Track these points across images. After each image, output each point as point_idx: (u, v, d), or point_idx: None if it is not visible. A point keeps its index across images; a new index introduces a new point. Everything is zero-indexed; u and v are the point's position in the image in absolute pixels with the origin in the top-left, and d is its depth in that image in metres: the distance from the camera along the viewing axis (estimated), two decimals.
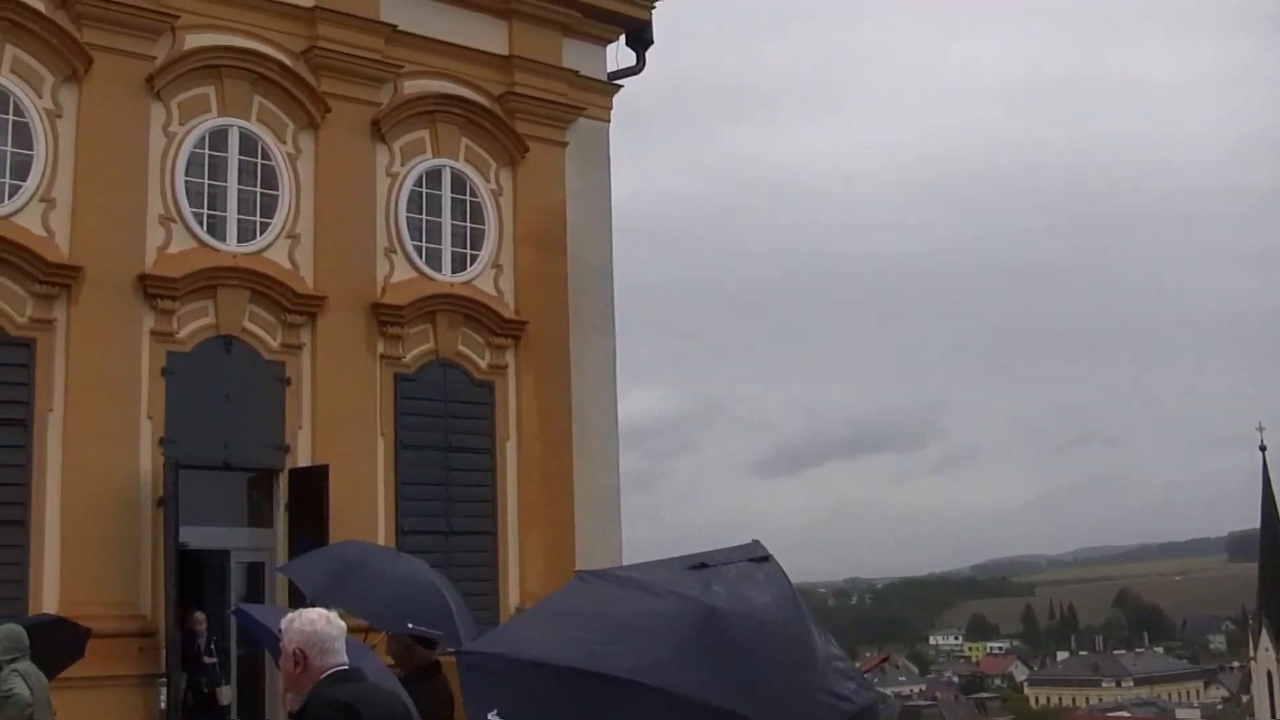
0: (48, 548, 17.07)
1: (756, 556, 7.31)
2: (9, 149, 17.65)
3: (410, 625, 11.32)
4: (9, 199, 17.52)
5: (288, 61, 19.78)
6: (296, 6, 19.92)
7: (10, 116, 17.72)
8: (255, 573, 19.27)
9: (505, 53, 21.75)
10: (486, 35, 21.69)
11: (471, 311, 20.76)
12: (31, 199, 17.66)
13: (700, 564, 7.13)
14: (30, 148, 17.76)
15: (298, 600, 16.01)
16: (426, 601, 12.62)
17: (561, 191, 22.01)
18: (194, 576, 18.57)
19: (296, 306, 19.29)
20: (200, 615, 18.28)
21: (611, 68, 23.17)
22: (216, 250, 18.91)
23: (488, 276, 21.14)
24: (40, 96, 17.93)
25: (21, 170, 17.66)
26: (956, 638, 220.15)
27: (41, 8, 18.00)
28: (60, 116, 18.03)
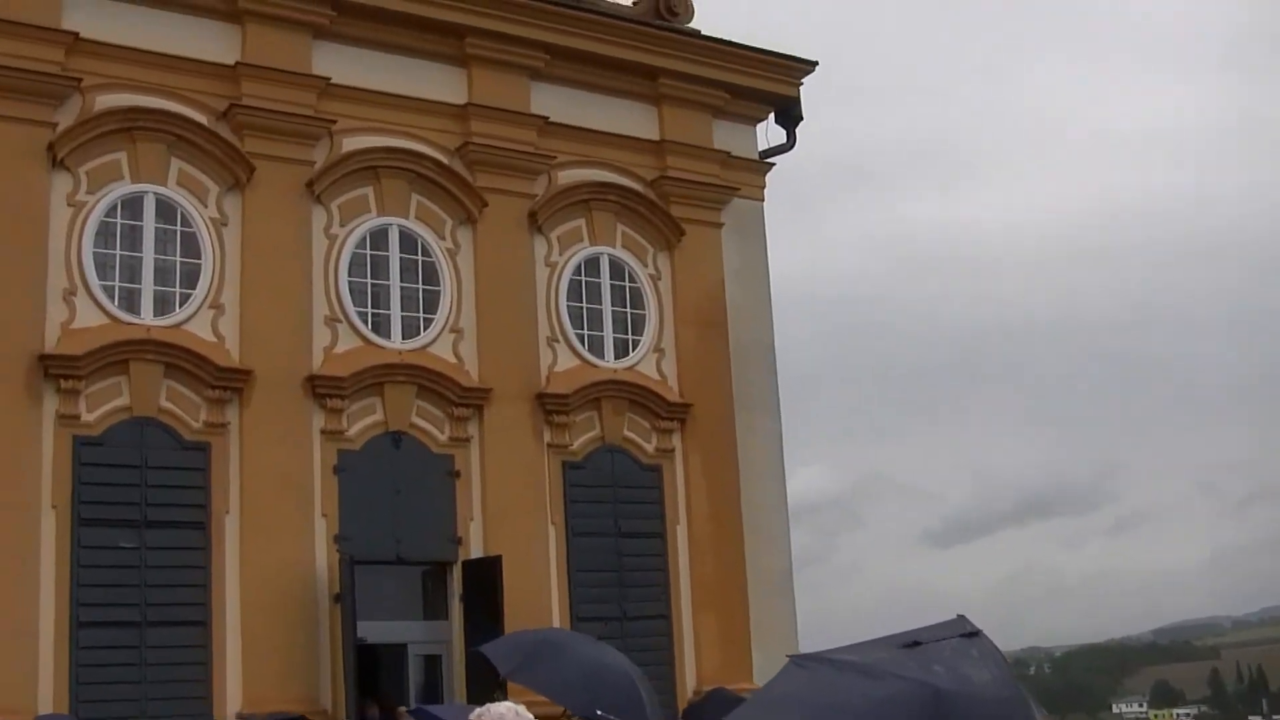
0: (229, 646, 17.31)
1: (967, 632, 7.02)
2: (178, 258, 18.14)
3: (600, 711, 11.21)
4: (180, 307, 17.96)
5: (443, 159, 20.12)
6: (449, 104, 20.28)
7: (178, 227, 18.22)
8: (432, 665, 19.32)
9: (657, 138, 21.93)
10: (637, 121, 21.89)
11: (636, 396, 20.79)
12: (201, 306, 18.09)
13: (913, 642, 6.86)
14: (198, 256, 18.23)
15: (477, 694, 16.06)
16: (619, 688, 12.48)
17: (719, 273, 22.03)
18: (372, 670, 18.67)
19: (463, 399, 19.44)
20: (381, 708, 18.33)
21: (762, 146, 23.21)
22: (382, 348, 19.17)
23: (650, 360, 21.18)
24: (206, 206, 18.42)
25: (191, 279, 18.12)
26: (1141, 705, 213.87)
27: (204, 121, 18.53)
28: (226, 225, 18.50)
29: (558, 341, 20.50)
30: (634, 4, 22.43)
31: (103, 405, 17.23)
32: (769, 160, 23.16)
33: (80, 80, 17.71)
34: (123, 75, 18.07)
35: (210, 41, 18.76)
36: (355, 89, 19.56)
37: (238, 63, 18.76)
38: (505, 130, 20.53)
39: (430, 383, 19.31)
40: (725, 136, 22.58)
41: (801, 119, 23.23)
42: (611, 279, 21.18)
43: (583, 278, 20.96)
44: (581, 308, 20.83)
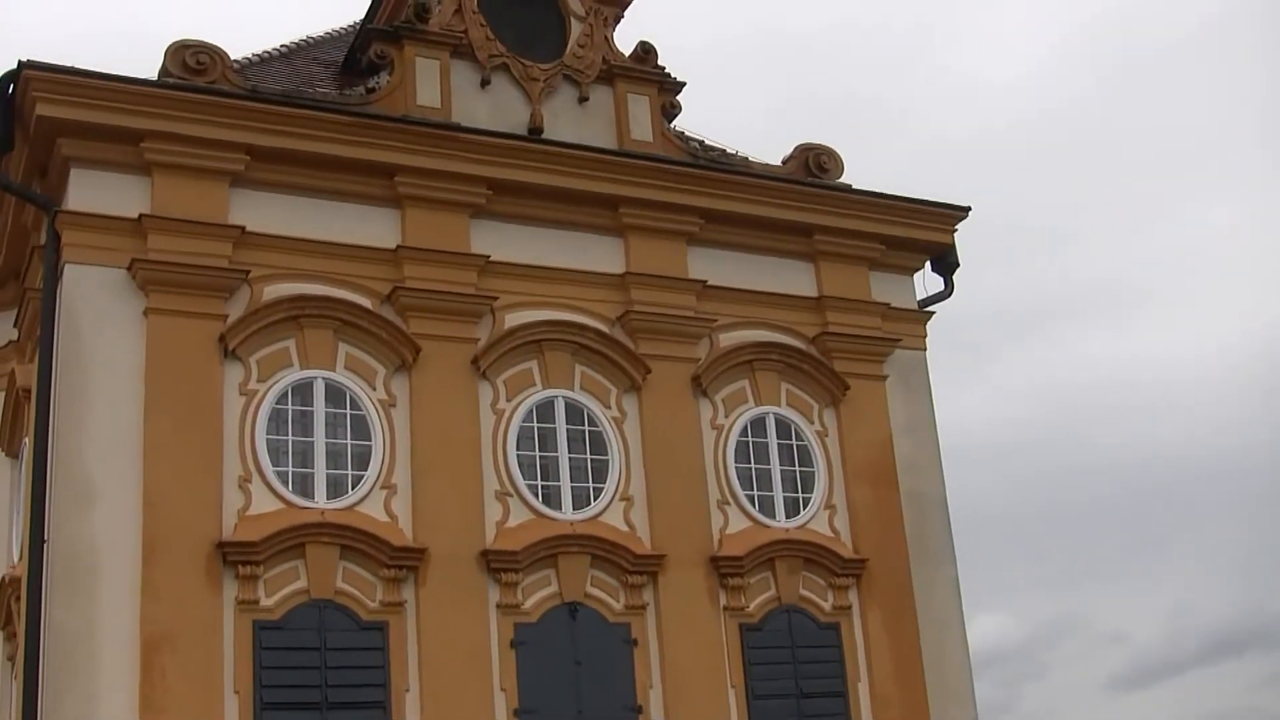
0: None
1: None
2: (349, 441, 18.47)
3: None
4: (353, 489, 18.25)
5: (605, 328, 20.34)
6: (608, 274, 20.57)
7: (348, 410, 18.59)
8: None
9: (815, 294, 21.99)
10: (795, 279, 21.99)
11: (810, 554, 20.57)
12: (374, 487, 18.36)
13: None
14: (369, 438, 18.55)
15: None
16: None
17: (887, 426, 21.87)
18: None
19: (637, 567, 19.40)
20: None
21: (921, 295, 23.15)
22: (554, 520, 19.26)
23: (822, 518, 21.00)
24: (374, 389, 18.79)
25: (362, 460, 18.42)
26: None
27: (369, 305, 18.99)
28: (394, 406, 18.83)
29: (728, 504, 20.42)
30: (784, 163, 22.65)
31: (281, 589, 17.47)
32: (929, 309, 23.08)
33: (248, 272, 18.29)
34: (289, 265, 18.63)
35: (372, 227, 19.31)
36: (515, 265, 19.94)
37: (399, 246, 19.24)
38: (665, 296, 20.74)
39: (604, 552, 19.31)
40: (883, 288, 22.58)
41: (958, 265, 23.17)
42: (779, 438, 21.12)
43: (749, 438, 20.93)
44: (750, 468, 20.77)
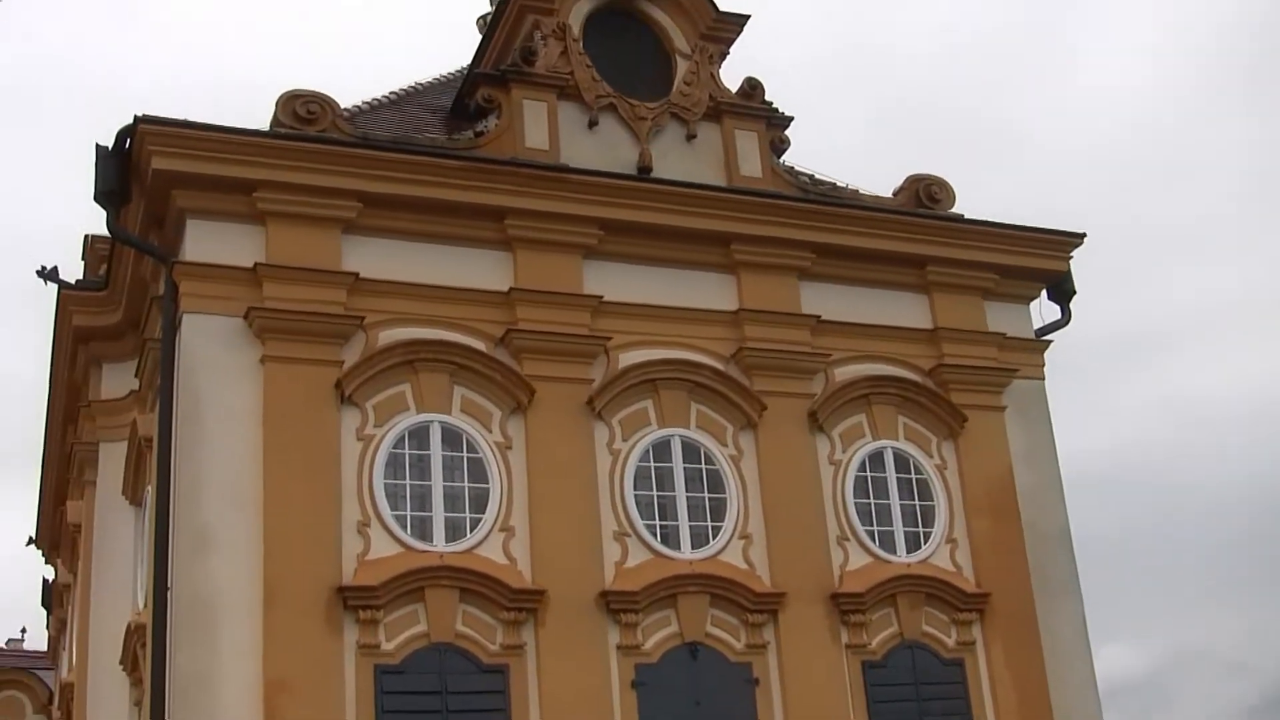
0: None
1: None
2: (466, 484, 18.47)
3: None
4: (471, 532, 18.23)
5: (720, 366, 20.24)
6: (721, 312, 20.47)
7: (464, 453, 18.61)
8: None
9: (930, 326, 21.75)
10: (909, 311, 21.80)
11: (932, 589, 20.29)
12: (492, 530, 18.34)
13: None
14: (486, 481, 18.55)
15: None
16: None
17: (1006, 457, 21.55)
18: None
19: (757, 605, 19.21)
20: None
21: (1037, 324, 22.84)
22: (673, 559, 19.13)
23: (943, 552, 20.71)
24: (490, 431, 18.79)
25: (480, 503, 18.42)
26: None
27: (483, 348, 19.02)
28: (510, 448, 18.82)
29: (848, 540, 20.19)
30: (894, 195, 22.48)
31: (401, 633, 17.46)
32: (1046, 338, 22.74)
33: (363, 318, 18.40)
34: (402, 310, 18.72)
35: (484, 270, 19.37)
36: (628, 304, 19.91)
37: (511, 289, 19.27)
38: (779, 332, 20.60)
39: (723, 591, 19.14)
40: (999, 318, 22.31)
41: (1075, 293, 22.86)
42: (897, 472, 20.89)
43: (868, 473, 20.71)
44: (869, 503, 20.54)
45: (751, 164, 21.63)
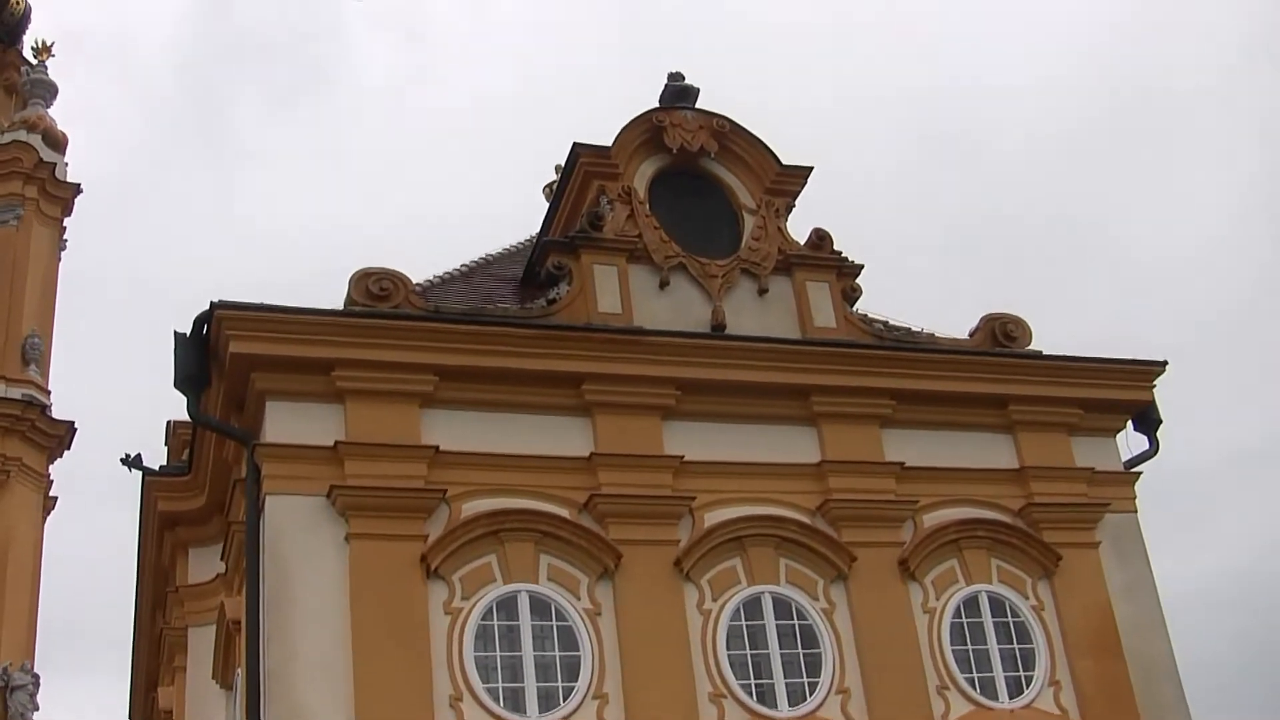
0: None
1: None
2: (557, 653, 18.26)
3: None
4: (565, 701, 17.97)
5: (806, 519, 20.03)
6: (804, 465, 20.30)
7: (554, 622, 18.41)
8: None
9: (1017, 465, 21.45)
10: (994, 452, 21.51)
11: None
12: (585, 698, 18.06)
13: None
14: (577, 649, 18.33)
15: None
16: None
17: (1105, 593, 21.07)
18: None
19: None
20: None
21: (1126, 455, 22.45)
22: (770, 718, 18.75)
23: (1048, 695, 20.18)
24: (579, 598, 18.62)
25: (572, 671, 18.18)
26: None
27: (568, 515, 18.93)
28: (600, 614, 18.61)
29: (948, 689, 19.74)
30: (971, 335, 22.35)
31: None
32: (1135, 470, 22.39)
33: (445, 491, 18.37)
34: (485, 481, 18.68)
35: (563, 437, 19.32)
36: (710, 463, 19.76)
37: (593, 454, 19.21)
38: (864, 482, 20.40)
39: None
40: (1086, 452, 21.96)
41: (1161, 422, 22.51)
42: (994, 616, 20.46)
43: (964, 619, 20.29)
44: (967, 649, 20.08)
45: (825, 314, 21.57)
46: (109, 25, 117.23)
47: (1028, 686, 20.17)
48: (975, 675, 19.98)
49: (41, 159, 49.15)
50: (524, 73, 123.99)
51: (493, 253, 24.47)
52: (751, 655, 19.14)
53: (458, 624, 17.90)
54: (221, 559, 20.95)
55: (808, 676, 19.26)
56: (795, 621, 19.54)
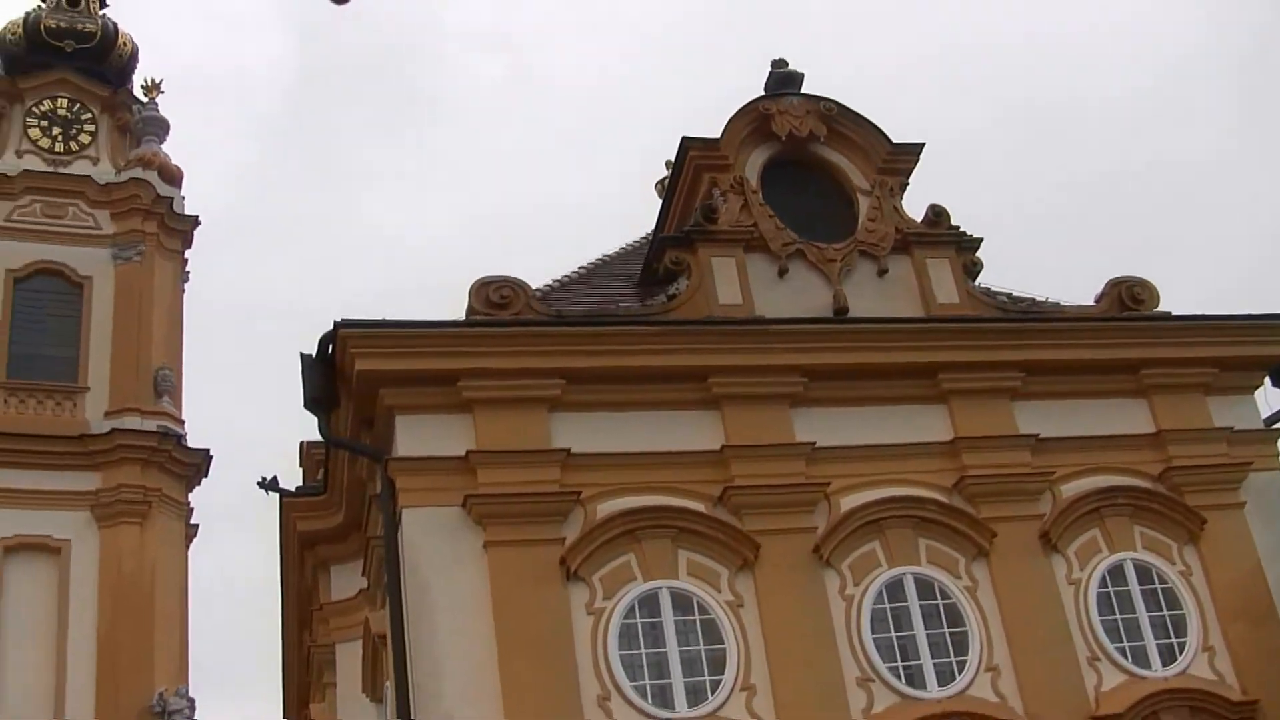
0: None
1: None
2: (701, 647, 18.25)
3: None
4: (712, 694, 17.98)
5: (943, 498, 19.86)
6: (937, 443, 20.14)
7: (696, 616, 18.40)
8: None
9: (1153, 430, 21.07)
10: (1129, 418, 21.15)
11: (1196, 702, 19.41)
12: (733, 690, 18.05)
13: None
14: (721, 642, 18.31)
15: None
16: None
17: (1254, 554, 20.64)
18: None
19: None
20: None
21: (1265, 412, 21.96)
22: (920, 700, 18.60)
23: (1202, 661, 19.82)
24: (719, 591, 18.60)
25: (717, 665, 18.17)
26: None
27: (703, 509, 18.93)
28: (741, 606, 18.58)
29: (1099, 660, 19.45)
30: (1097, 301, 22.01)
31: None
32: (1276, 427, 21.92)
33: (579, 493, 18.45)
34: (617, 480, 18.73)
35: (693, 431, 19.33)
36: (842, 448, 19.67)
37: (724, 446, 19.19)
38: (999, 457, 20.18)
39: None
40: (1223, 412, 21.51)
41: None
42: (1141, 584, 20.12)
43: (1110, 588, 19.98)
44: (1115, 619, 19.78)
45: (947, 291, 21.37)
46: (216, 59, 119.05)
47: (1181, 654, 19.83)
48: (1126, 645, 19.67)
49: (159, 194, 49.88)
50: (624, 71, 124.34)
51: (609, 253, 24.52)
52: (897, 638, 18.99)
53: (601, 624, 17.95)
54: (363, 574, 21.19)
55: (955, 656, 19.09)
56: (939, 601, 19.37)
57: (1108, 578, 20.07)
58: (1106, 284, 22.22)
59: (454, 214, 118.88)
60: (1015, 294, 22.27)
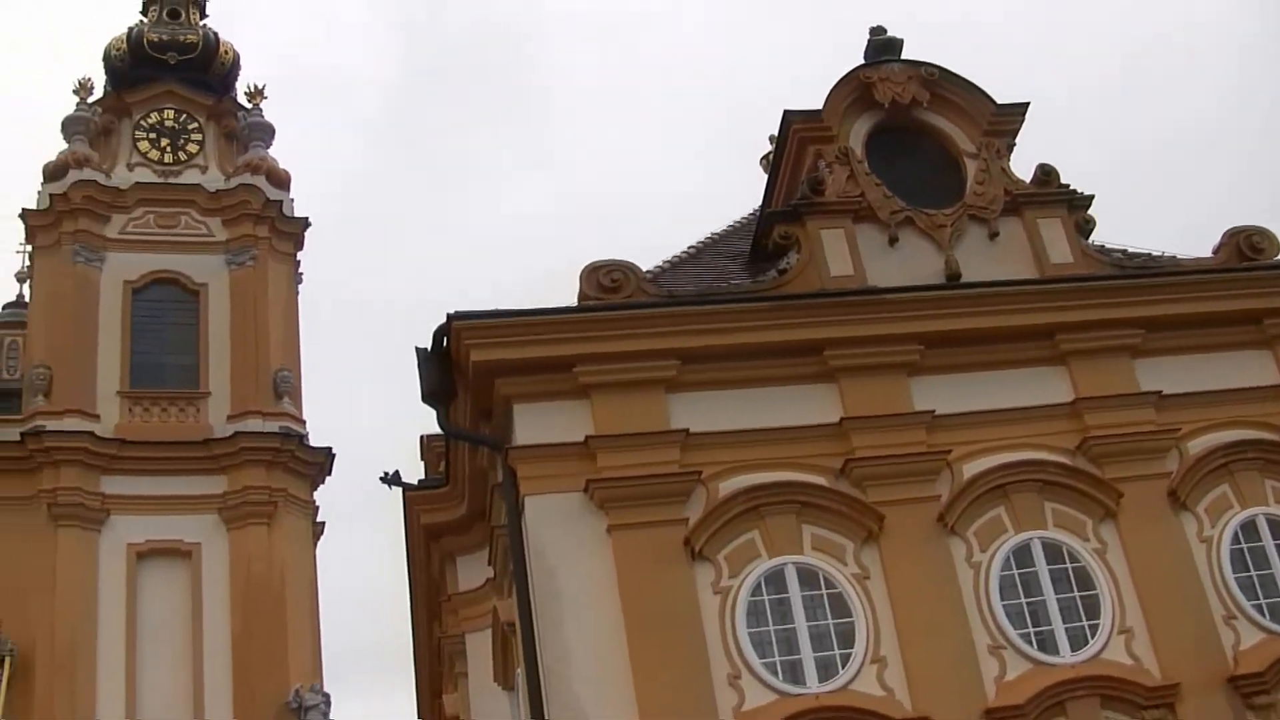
0: None
1: None
2: (830, 621, 18.19)
3: None
4: (843, 668, 17.91)
5: (1067, 460, 19.61)
6: (1058, 405, 19.88)
7: (823, 590, 18.34)
8: None
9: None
10: (1254, 370, 20.73)
11: None
12: (864, 663, 17.97)
13: None
14: (849, 615, 18.23)
15: None
16: None
17: None
18: None
19: (1151, 701, 18.30)
20: None
21: None
22: (1053, 666, 18.40)
23: None
24: (845, 564, 18.52)
25: (847, 638, 18.10)
26: None
27: (824, 482, 18.85)
28: (868, 578, 18.49)
29: (1235, 618, 19.07)
30: (1215, 253, 21.62)
31: None
32: None
33: (700, 472, 18.44)
34: (738, 458, 18.70)
35: (811, 405, 19.24)
36: (961, 414, 19.48)
37: (842, 419, 19.10)
38: (1122, 416, 19.87)
39: (1114, 691, 18.31)
40: None
41: None
42: (1274, 539, 19.70)
43: (1243, 545, 19.59)
44: (1250, 576, 19.38)
45: (1060, 250, 21.06)
46: (317, 60, 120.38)
47: None
48: (1263, 601, 19.26)
49: (268, 199, 50.54)
50: (724, 48, 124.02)
51: (717, 231, 24.48)
52: (1027, 604, 18.79)
53: (728, 603, 17.95)
54: (488, 564, 21.32)
55: (1087, 620, 18.84)
56: (1068, 565, 19.12)
57: (1240, 534, 19.67)
58: (1224, 234, 21.79)
59: (560, 201, 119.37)
60: (1130, 250, 21.93)
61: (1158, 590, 18.99)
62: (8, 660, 40.62)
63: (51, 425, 44.50)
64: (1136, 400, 20.02)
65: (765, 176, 24.09)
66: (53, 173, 49.82)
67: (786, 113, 21.71)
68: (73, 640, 41.46)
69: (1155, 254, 21.89)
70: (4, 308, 57.77)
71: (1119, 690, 18.32)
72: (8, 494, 43.82)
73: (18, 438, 44.42)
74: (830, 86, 21.66)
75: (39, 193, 49.64)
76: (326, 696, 43.21)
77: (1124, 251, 21.83)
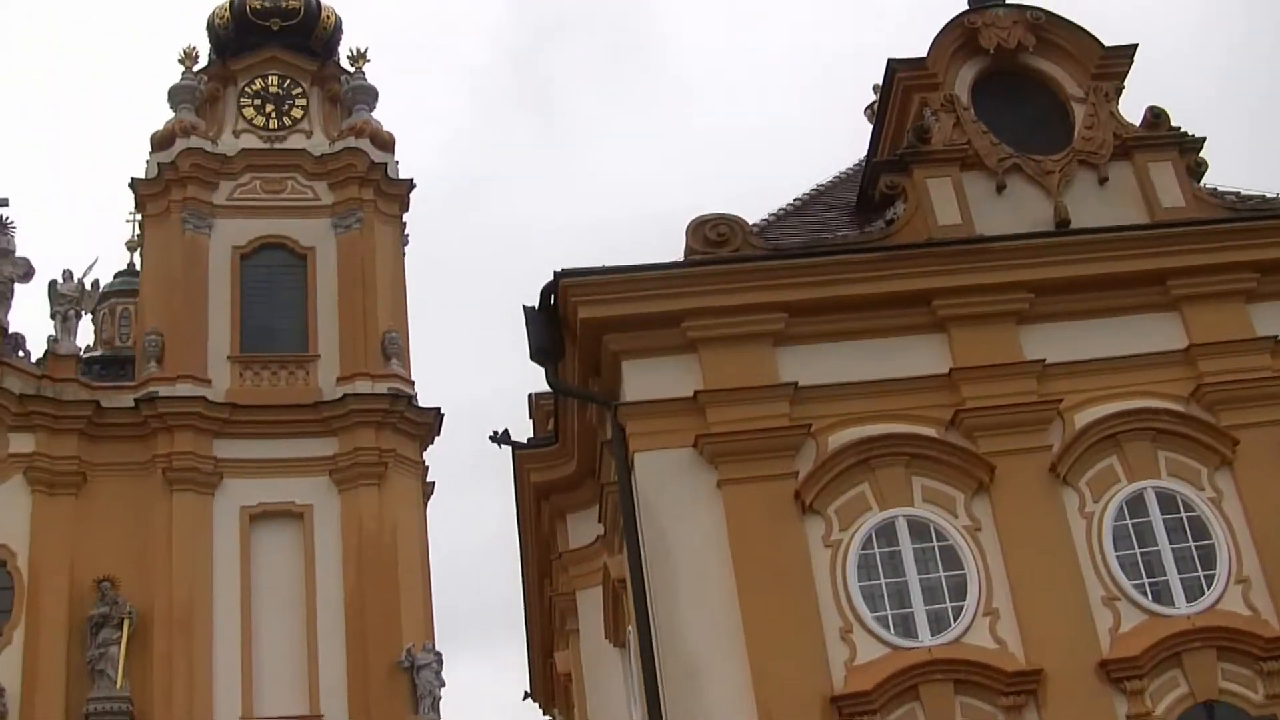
0: None
1: None
2: (941, 574, 18.09)
3: None
4: (955, 621, 17.83)
5: (1180, 408, 19.30)
6: (1170, 352, 19.55)
7: (934, 543, 18.25)
8: None
9: None
10: None
11: None
12: (976, 615, 17.88)
13: None
14: (961, 567, 18.13)
15: None
16: None
17: None
18: None
19: (1270, 653, 17.99)
20: None
21: None
22: (1170, 617, 18.15)
23: None
24: (956, 516, 18.40)
25: (958, 591, 18.00)
26: None
27: (935, 434, 18.73)
28: (980, 530, 18.36)
29: None
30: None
31: None
32: None
33: (810, 425, 18.37)
34: (847, 411, 18.62)
35: (920, 356, 19.09)
36: (1072, 363, 19.24)
37: (952, 369, 18.95)
38: (1237, 362, 19.48)
39: (1230, 642, 18.03)
40: None
41: None
42: None
43: None
44: None
45: (1172, 195, 20.69)
46: (420, 18, 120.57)
47: None
48: None
49: (373, 161, 50.86)
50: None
51: (822, 183, 24.32)
52: (1141, 554, 18.56)
53: (839, 556, 17.90)
54: (599, 521, 21.38)
55: (1203, 570, 18.57)
56: (1183, 514, 18.85)
57: None
58: None
59: (665, 157, 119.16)
60: (1244, 192, 21.51)
61: (1276, 538, 18.68)
62: (127, 623, 41.42)
63: (164, 391, 45.22)
64: (1252, 346, 19.64)
65: (871, 127, 23.88)
66: (160, 142, 50.50)
67: (891, 61, 21.50)
68: (189, 602, 42.22)
69: (1269, 196, 21.45)
70: (115, 276, 58.54)
71: (1237, 642, 18.05)
72: (124, 460, 44.63)
73: (132, 404, 45.18)
74: (935, 33, 21.41)
75: (147, 162, 50.39)
76: (438, 655, 43.68)
77: (1237, 194, 21.39)
